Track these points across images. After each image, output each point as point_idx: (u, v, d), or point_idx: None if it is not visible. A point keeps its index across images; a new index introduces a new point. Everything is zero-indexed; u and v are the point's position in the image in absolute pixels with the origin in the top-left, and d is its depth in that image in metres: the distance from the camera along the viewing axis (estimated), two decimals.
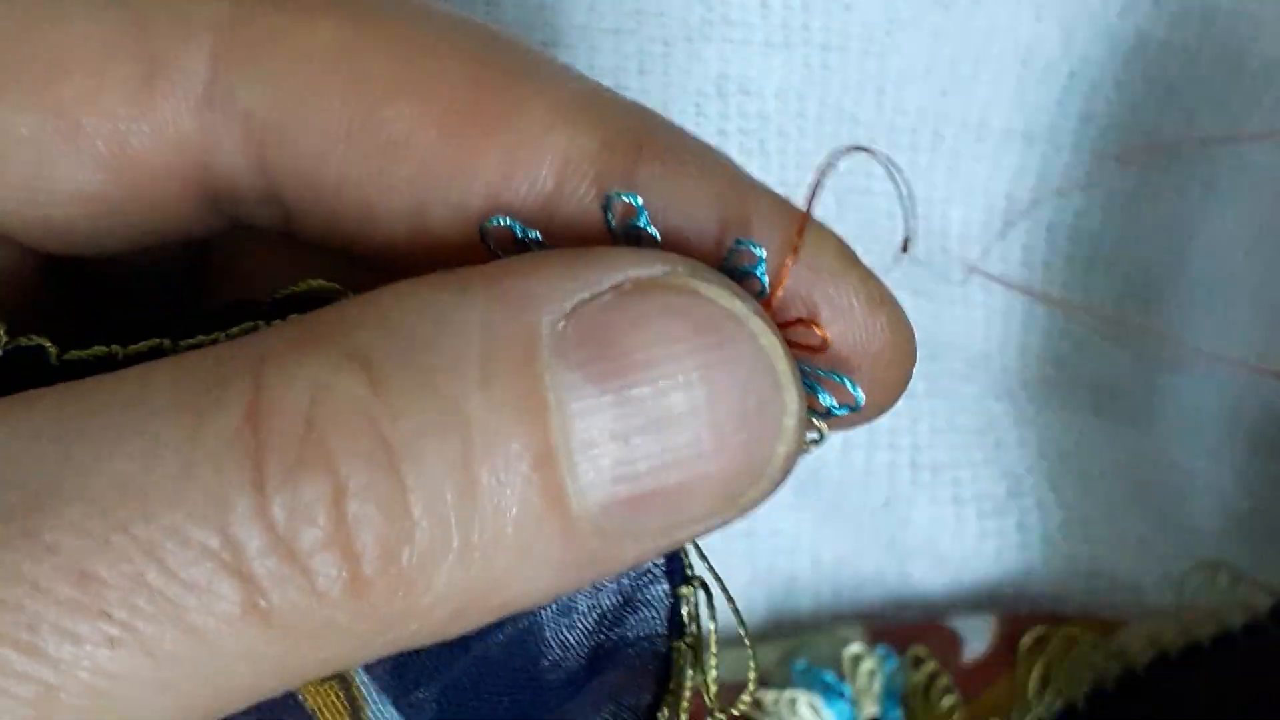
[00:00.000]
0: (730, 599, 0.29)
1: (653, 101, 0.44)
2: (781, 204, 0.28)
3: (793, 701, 0.42)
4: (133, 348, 0.27)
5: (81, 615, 0.23)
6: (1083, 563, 0.48)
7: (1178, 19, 0.43)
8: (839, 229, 0.47)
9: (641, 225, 0.26)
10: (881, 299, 0.28)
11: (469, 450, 0.24)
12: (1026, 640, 0.43)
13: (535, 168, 0.27)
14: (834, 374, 0.27)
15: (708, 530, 0.26)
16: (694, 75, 0.44)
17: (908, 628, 0.46)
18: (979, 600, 0.48)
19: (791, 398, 0.25)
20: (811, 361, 0.27)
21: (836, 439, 0.47)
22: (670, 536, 0.25)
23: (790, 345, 0.26)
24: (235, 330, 0.27)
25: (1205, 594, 0.43)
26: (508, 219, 0.27)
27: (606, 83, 0.43)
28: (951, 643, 0.44)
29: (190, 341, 0.27)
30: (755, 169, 0.45)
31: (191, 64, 0.27)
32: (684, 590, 0.28)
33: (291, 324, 0.25)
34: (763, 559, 0.48)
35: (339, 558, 0.23)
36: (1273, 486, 0.50)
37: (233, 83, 0.27)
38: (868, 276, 0.28)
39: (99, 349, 0.27)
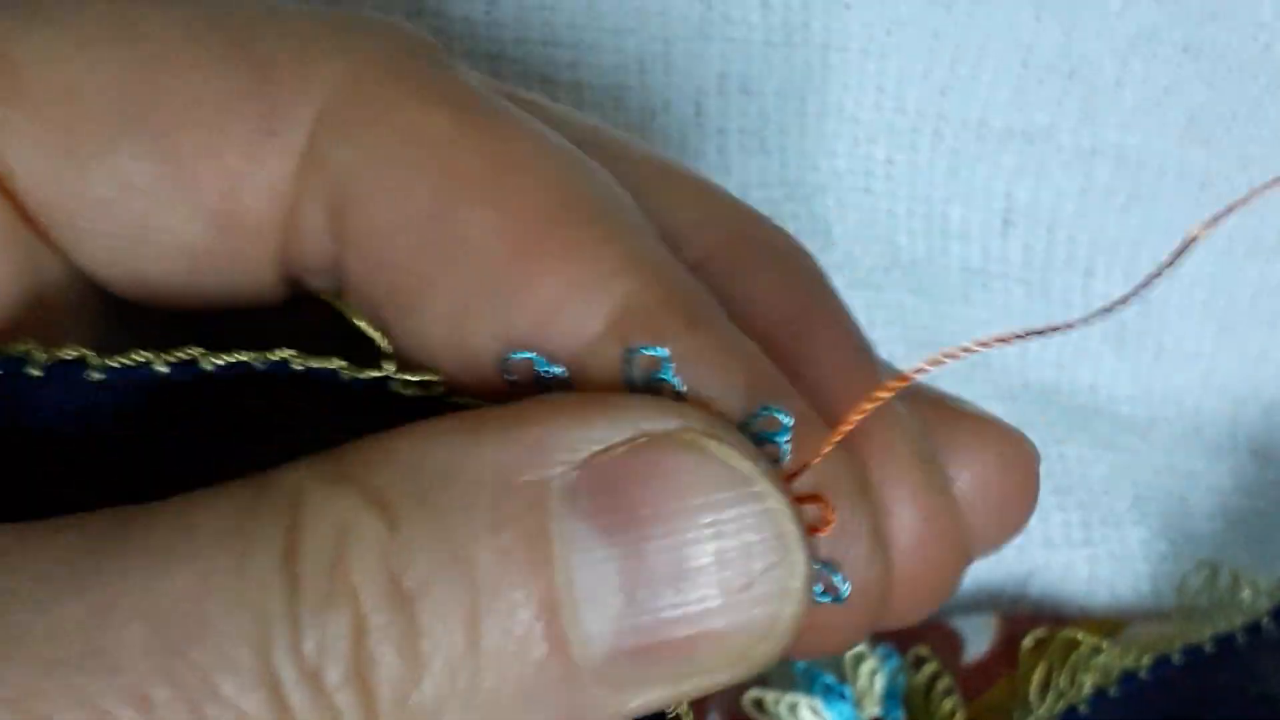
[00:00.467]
0: None
1: (653, 101, 0.44)
2: (811, 411, 0.27)
3: (794, 705, 0.42)
4: (168, 354, 0.27)
5: None
6: (1083, 565, 0.48)
7: (1178, 16, 0.43)
8: (838, 230, 0.47)
9: (665, 378, 0.26)
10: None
11: (476, 597, 0.24)
12: (1028, 642, 0.43)
13: (587, 308, 0.27)
14: (823, 564, 0.27)
15: (713, 685, 0.26)
16: (694, 74, 0.44)
17: (909, 628, 0.45)
18: (980, 602, 0.48)
19: (798, 560, 0.25)
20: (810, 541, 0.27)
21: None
22: (678, 686, 0.26)
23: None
24: (271, 356, 0.27)
25: (1206, 595, 0.43)
26: (531, 354, 0.27)
27: (606, 82, 0.44)
28: (952, 643, 0.44)
29: (227, 357, 0.27)
30: (755, 169, 0.45)
31: (303, 121, 0.27)
32: None
33: (324, 458, 0.25)
34: None
35: (358, 693, 0.24)
36: (1272, 489, 0.50)
37: (330, 142, 0.27)
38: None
39: (135, 352, 0.26)
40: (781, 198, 0.45)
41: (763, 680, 0.42)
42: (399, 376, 0.27)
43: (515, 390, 0.27)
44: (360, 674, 0.24)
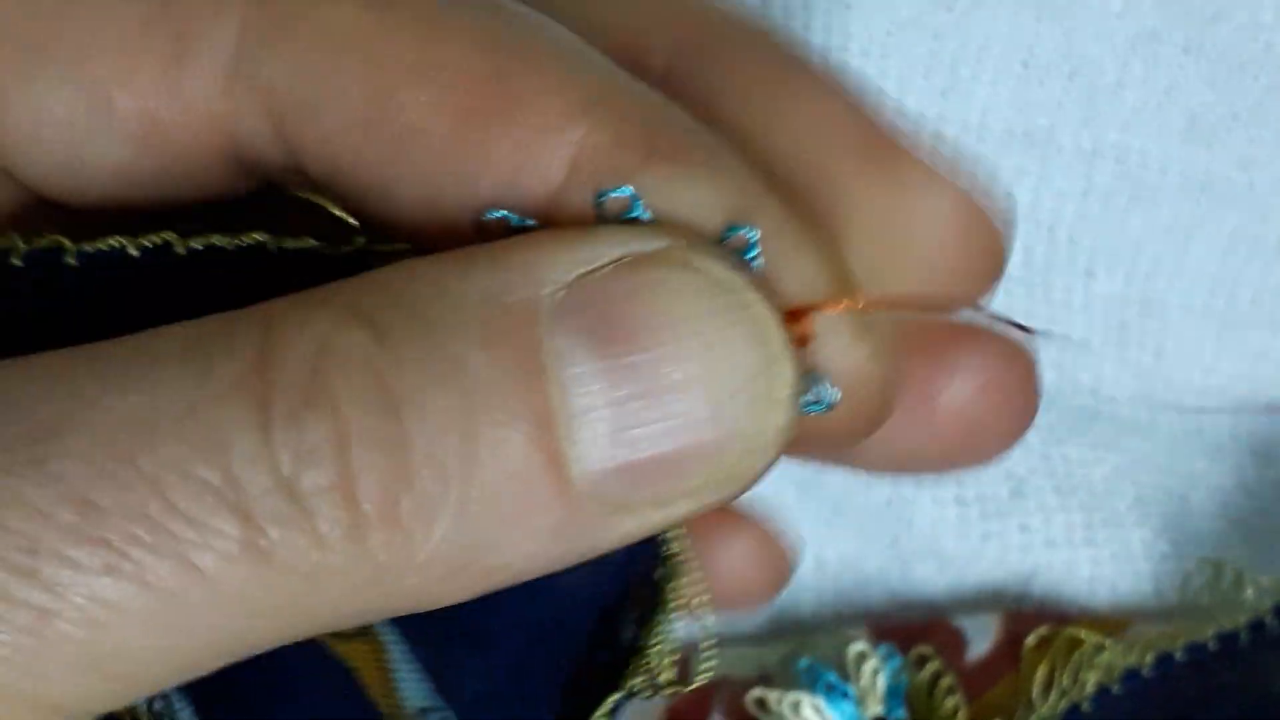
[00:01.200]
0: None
1: None
2: (789, 215, 0.28)
3: (796, 704, 0.42)
4: (143, 239, 0.27)
5: (81, 542, 0.23)
6: (1085, 565, 0.48)
7: (1180, 17, 0.43)
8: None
9: (636, 215, 0.27)
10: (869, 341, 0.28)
11: (470, 404, 0.24)
12: (1031, 640, 0.43)
13: (546, 161, 0.27)
14: (809, 374, 0.28)
15: (702, 506, 0.26)
16: None
17: (911, 626, 0.45)
18: (982, 601, 0.48)
19: (785, 369, 0.26)
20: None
21: None
22: (664, 511, 0.26)
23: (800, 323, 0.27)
24: (245, 239, 0.27)
25: (1208, 594, 0.43)
26: (503, 211, 0.27)
27: None
28: (955, 641, 0.44)
29: (200, 240, 0.27)
30: None
31: (219, 40, 0.28)
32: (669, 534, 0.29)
33: (299, 293, 0.25)
34: None
35: (340, 500, 0.24)
36: (1273, 488, 0.50)
37: (257, 58, 0.28)
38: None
39: (111, 238, 0.27)
40: None
41: (766, 679, 0.43)
42: (378, 248, 0.28)
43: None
44: (344, 482, 0.24)
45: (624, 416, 0.25)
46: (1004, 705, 0.43)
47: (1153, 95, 0.45)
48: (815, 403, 0.28)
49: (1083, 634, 0.43)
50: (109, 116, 0.28)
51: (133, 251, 0.27)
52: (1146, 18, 0.43)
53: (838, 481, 0.48)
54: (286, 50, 0.28)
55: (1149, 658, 0.42)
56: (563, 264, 0.25)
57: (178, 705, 0.30)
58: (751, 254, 0.27)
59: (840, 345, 0.28)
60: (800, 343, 0.27)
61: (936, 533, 0.47)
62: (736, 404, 0.25)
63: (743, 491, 0.27)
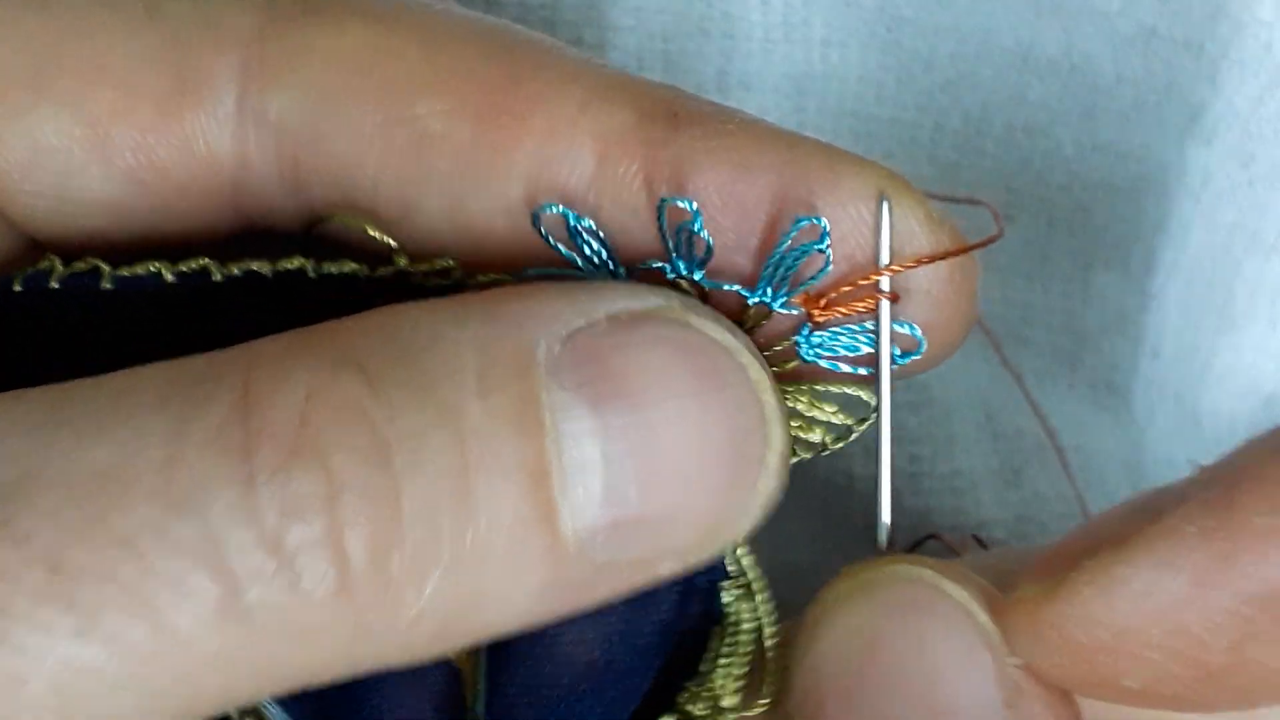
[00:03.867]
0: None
1: None
2: (851, 163, 0.28)
3: None
4: (181, 265, 0.27)
5: (51, 605, 0.22)
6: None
7: (1179, 14, 0.43)
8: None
9: (696, 230, 0.27)
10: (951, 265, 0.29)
11: (465, 455, 0.24)
12: None
13: (574, 150, 0.27)
14: (900, 322, 0.28)
15: (683, 567, 0.26)
16: (694, 71, 0.44)
17: None
18: None
19: (776, 433, 0.26)
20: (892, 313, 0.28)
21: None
22: (647, 571, 0.26)
23: (867, 297, 0.27)
24: (284, 264, 0.27)
25: None
26: (560, 206, 0.27)
27: None
28: None
29: (239, 266, 0.27)
30: None
31: (223, 78, 0.28)
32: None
33: (284, 335, 0.25)
34: (765, 557, 0.48)
35: (328, 556, 0.23)
36: None
37: (264, 96, 0.28)
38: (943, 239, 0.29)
39: (148, 263, 0.27)
40: None
41: None
42: (417, 268, 0.28)
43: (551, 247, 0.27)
44: (333, 536, 0.23)
45: (617, 473, 0.24)
46: None
47: (1152, 92, 0.45)
48: (907, 354, 0.28)
49: None
50: (105, 151, 0.28)
51: (169, 277, 0.27)
52: (1146, 15, 0.43)
53: (834, 474, 0.48)
54: (296, 82, 0.27)
55: None
56: (557, 316, 0.25)
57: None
58: (823, 244, 0.27)
59: (924, 298, 0.28)
60: (892, 299, 0.28)
61: (934, 525, 0.48)
62: (729, 467, 0.25)
63: (724, 552, 0.26)
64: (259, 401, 0.23)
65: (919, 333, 0.28)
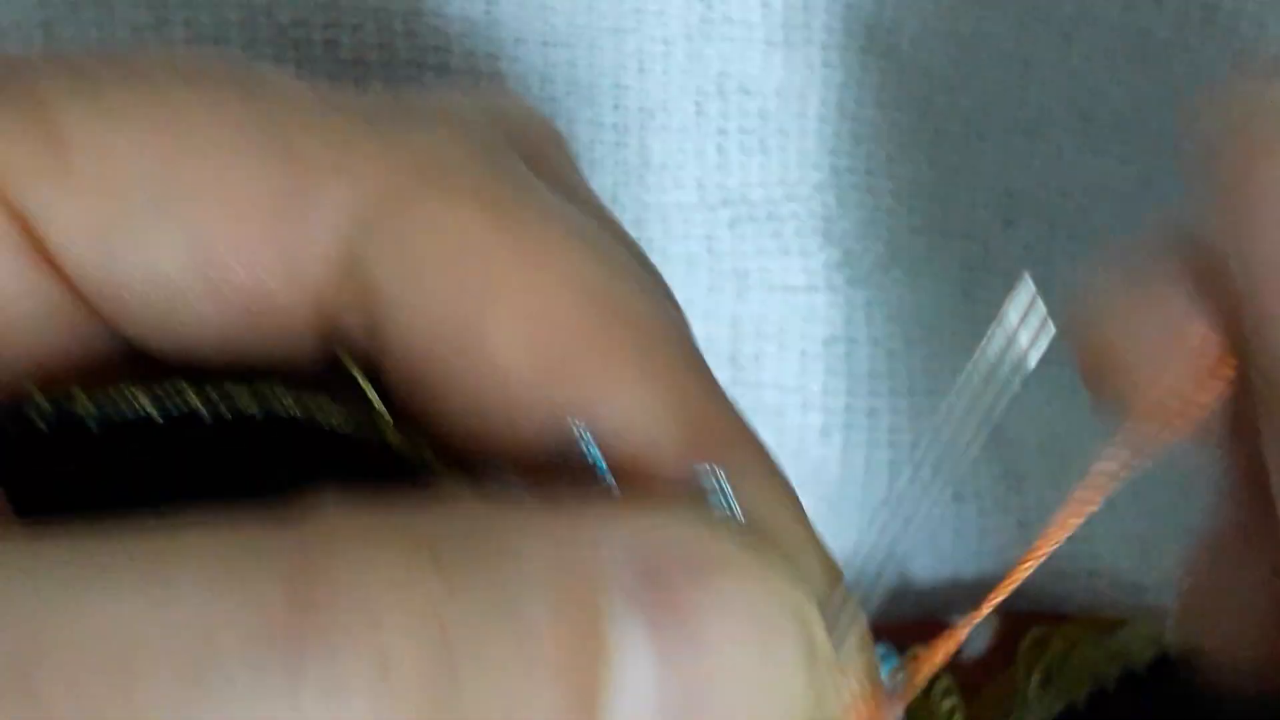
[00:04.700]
0: None
1: (653, 101, 0.44)
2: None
3: None
4: (154, 389, 0.26)
5: None
6: (1083, 561, 0.48)
7: (1180, 18, 0.43)
8: (838, 228, 0.47)
9: (589, 455, 0.26)
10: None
11: (528, 671, 0.22)
12: (1027, 640, 0.43)
13: (612, 425, 0.26)
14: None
15: None
16: (694, 74, 0.44)
17: (907, 624, 0.45)
18: (979, 599, 0.48)
19: (830, 704, 0.25)
20: None
21: (836, 437, 0.47)
22: None
23: None
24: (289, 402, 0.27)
25: None
26: (595, 447, 0.26)
27: (605, 82, 0.44)
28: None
29: (228, 405, 0.27)
30: (755, 167, 0.45)
31: (336, 220, 0.27)
32: None
33: (351, 505, 0.23)
34: None
35: None
36: None
37: (364, 251, 0.27)
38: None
39: (126, 388, 0.26)
40: (781, 197, 0.46)
41: None
42: (404, 449, 0.27)
43: (563, 474, 0.26)
44: None
45: (666, 708, 0.23)
46: (1000, 705, 0.43)
47: (1152, 92, 0.45)
48: None
49: (1079, 634, 0.43)
50: (219, 280, 0.27)
51: (151, 410, 0.27)
52: (1145, 18, 0.43)
53: (835, 479, 0.48)
54: (395, 246, 0.27)
55: (1145, 657, 0.42)
56: (636, 537, 0.23)
57: None
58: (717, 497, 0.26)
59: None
60: None
61: (934, 530, 0.48)
62: None
63: None
64: (316, 581, 0.21)
65: None
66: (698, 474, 0.26)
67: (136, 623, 0.21)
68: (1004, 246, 0.47)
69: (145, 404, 0.27)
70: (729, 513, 0.26)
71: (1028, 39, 0.44)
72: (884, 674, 0.42)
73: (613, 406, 0.26)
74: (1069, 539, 0.48)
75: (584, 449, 0.26)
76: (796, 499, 0.28)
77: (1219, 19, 0.43)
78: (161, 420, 0.27)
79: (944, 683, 0.43)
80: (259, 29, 0.42)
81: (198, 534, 0.22)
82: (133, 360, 0.29)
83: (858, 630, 0.27)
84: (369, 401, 0.28)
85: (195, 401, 0.27)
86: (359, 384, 0.28)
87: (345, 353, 0.28)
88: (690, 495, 0.26)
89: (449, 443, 0.27)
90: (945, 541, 0.48)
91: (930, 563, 0.48)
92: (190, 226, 0.27)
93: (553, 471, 0.26)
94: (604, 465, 0.26)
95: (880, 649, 0.43)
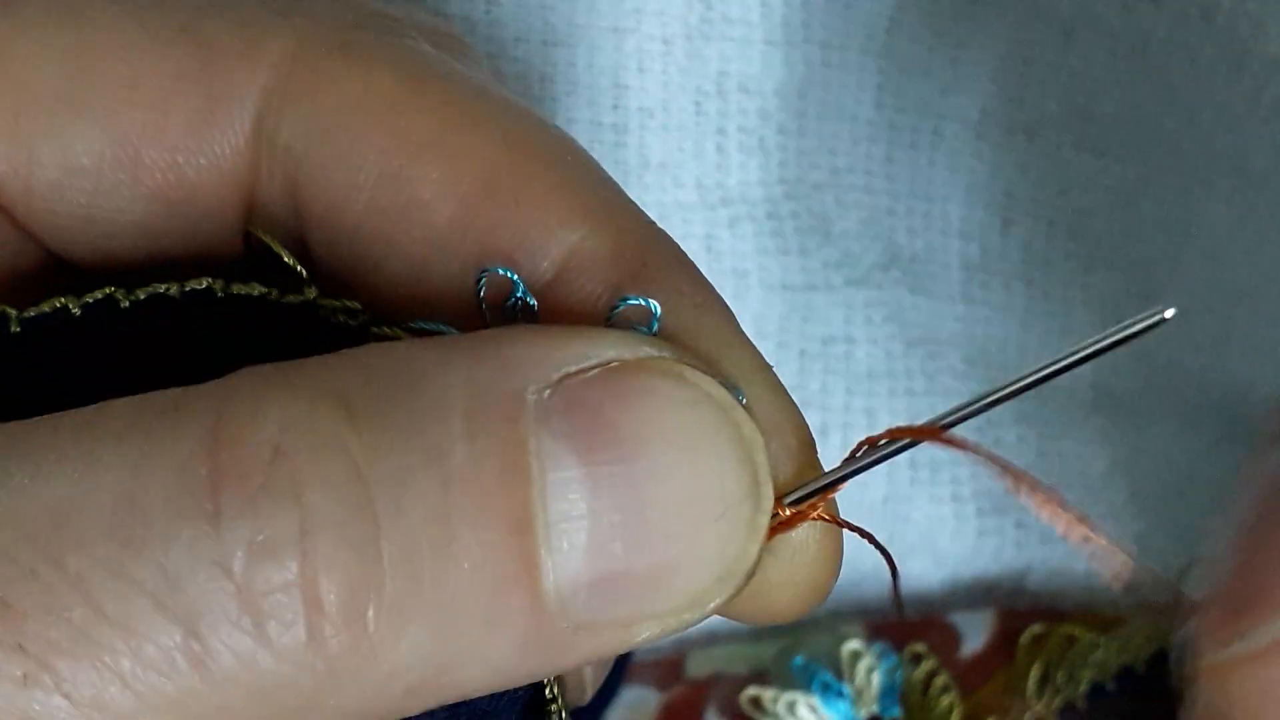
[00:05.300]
0: None
1: (652, 100, 0.44)
2: (762, 377, 0.27)
3: (792, 703, 0.42)
4: (87, 296, 0.26)
5: None
6: (1081, 560, 0.48)
7: (1178, 18, 0.43)
8: (837, 228, 0.47)
9: (520, 296, 0.26)
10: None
11: (450, 500, 0.23)
12: (1025, 638, 0.43)
13: (539, 255, 0.27)
14: None
15: (662, 633, 0.25)
16: (694, 73, 0.44)
17: (907, 623, 0.46)
18: (977, 597, 0.48)
19: (767, 494, 0.25)
20: None
21: (835, 436, 0.47)
22: (627, 633, 0.24)
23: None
24: (191, 285, 0.27)
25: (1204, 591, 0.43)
26: (512, 273, 0.27)
27: (605, 81, 0.44)
28: (950, 638, 0.45)
29: (145, 291, 0.26)
30: (755, 167, 0.45)
31: (249, 97, 0.28)
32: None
33: (261, 367, 0.24)
34: None
35: (299, 602, 0.22)
36: None
37: (279, 118, 0.28)
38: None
39: (54, 300, 0.26)
40: (781, 196, 0.46)
41: (760, 677, 0.43)
42: (324, 302, 0.27)
43: (483, 315, 0.27)
44: (305, 581, 0.22)
45: (603, 528, 0.23)
46: (998, 702, 0.43)
47: (1151, 93, 0.45)
48: None
49: (1077, 631, 0.43)
50: (136, 170, 0.28)
51: (75, 310, 0.26)
52: (1144, 21, 0.43)
53: None
54: (310, 113, 0.27)
55: (1143, 655, 0.42)
56: (548, 360, 0.24)
57: None
58: (652, 328, 0.26)
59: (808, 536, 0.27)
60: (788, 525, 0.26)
61: (932, 530, 0.48)
62: (719, 527, 0.24)
63: (700, 620, 0.25)
64: (229, 435, 0.22)
65: None
66: (622, 292, 0.26)
67: (60, 494, 0.22)
68: (1003, 246, 0.47)
69: (68, 302, 0.26)
70: (655, 321, 0.26)
71: (1028, 39, 0.44)
72: (881, 670, 0.43)
73: (543, 235, 0.27)
74: (1068, 539, 0.48)
75: (513, 285, 0.27)
76: (721, 301, 0.27)
77: (1218, 19, 0.43)
78: (79, 312, 0.26)
79: (943, 680, 0.43)
80: None
81: (119, 409, 0.23)
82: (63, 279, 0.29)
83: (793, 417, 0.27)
84: (292, 275, 0.28)
85: (116, 293, 0.27)
86: (280, 262, 0.28)
87: (259, 228, 0.29)
88: (614, 316, 0.26)
89: (380, 306, 0.28)
90: (944, 541, 0.48)
91: (929, 563, 0.48)
92: (103, 116, 0.27)
93: (483, 321, 0.27)
94: (532, 299, 0.27)
95: (878, 647, 0.43)
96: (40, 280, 0.29)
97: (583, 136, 0.44)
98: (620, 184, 0.29)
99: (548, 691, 0.27)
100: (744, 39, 0.43)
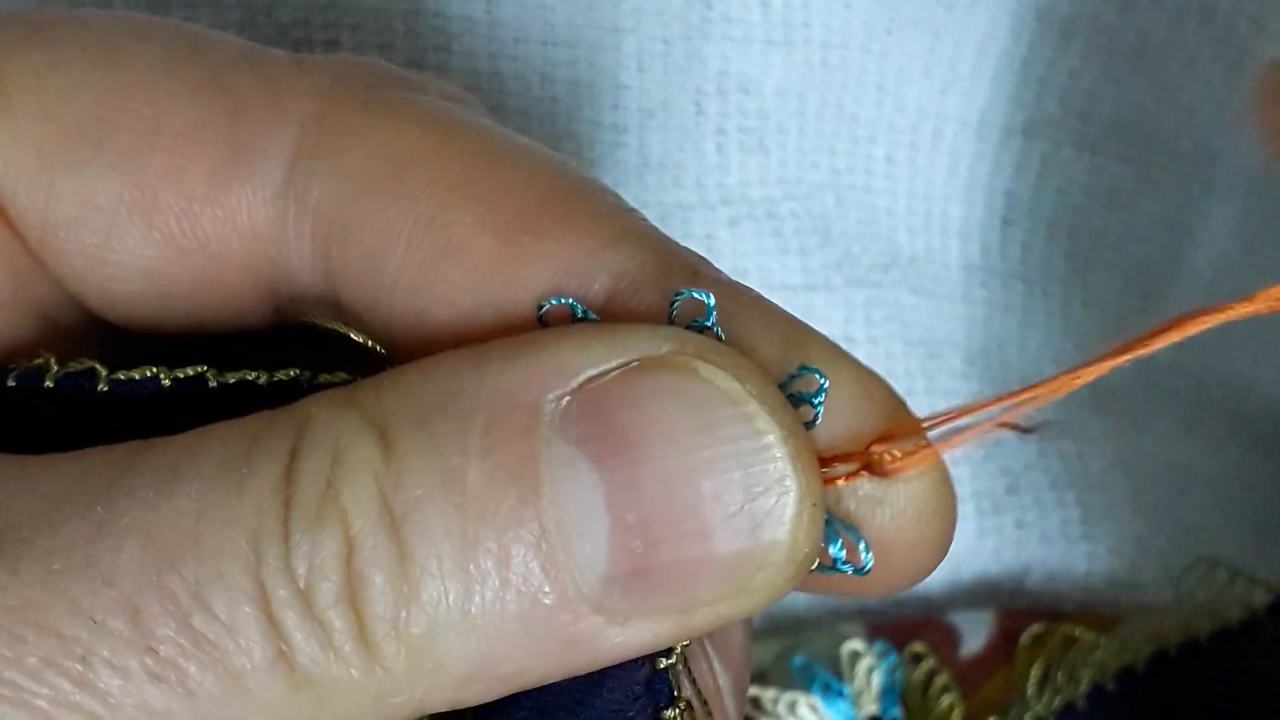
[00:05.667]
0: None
1: (652, 100, 0.44)
2: (835, 350, 0.28)
3: (792, 703, 0.42)
4: (178, 370, 0.28)
5: (131, 650, 0.24)
6: (1081, 560, 0.48)
7: (1177, 18, 0.43)
8: (837, 228, 0.47)
9: (708, 325, 0.27)
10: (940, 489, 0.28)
11: (465, 521, 0.25)
12: (1025, 638, 0.43)
13: (589, 281, 0.27)
14: (851, 529, 0.27)
15: (725, 618, 0.26)
16: (693, 73, 0.44)
17: (906, 623, 0.46)
18: (977, 597, 0.48)
19: (794, 483, 0.25)
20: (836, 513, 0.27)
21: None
22: (684, 620, 0.26)
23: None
24: (279, 375, 0.28)
25: (1203, 590, 0.43)
26: (568, 299, 0.27)
27: (605, 82, 0.44)
28: (950, 638, 0.45)
29: (234, 375, 0.28)
30: (755, 167, 0.45)
31: (274, 154, 0.28)
32: (668, 662, 0.28)
33: (338, 391, 0.26)
34: None
35: (350, 614, 0.24)
36: (1271, 482, 0.50)
37: (309, 177, 0.28)
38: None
39: (145, 368, 0.28)
40: (781, 196, 0.46)
41: (760, 677, 0.43)
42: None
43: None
44: (350, 596, 0.24)
45: (623, 528, 0.25)
46: (998, 702, 0.43)
47: (1152, 92, 0.45)
48: (848, 563, 0.27)
49: (1077, 631, 0.43)
50: (150, 213, 0.28)
51: (166, 382, 0.28)
52: (1143, 21, 0.43)
53: None
54: (340, 169, 0.28)
55: (1143, 655, 0.42)
56: (571, 364, 0.25)
57: None
58: (819, 398, 0.27)
59: (899, 512, 0.28)
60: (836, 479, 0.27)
61: None
62: (738, 519, 0.25)
63: (768, 602, 0.26)
64: (301, 463, 0.25)
65: (868, 554, 0.27)
66: (669, 297, 0.27)
67: (180, 510, 0.24)
68: (1003, 246, 0.47)
69: (160, 372, 0.28)
70: (711, 312, 0.27)
71: (1028, 39, 0.44)
72: (881, 670, 0.43)
73: (588, 261, 0.27)
74: (1067, 539, 0.48)
75: (571, 310, 0.27)
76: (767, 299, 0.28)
77: (1217, 20, 0.43)
78: (169, 384, 0.28)
79: (943, 680, 0.43)
80: (259, 28, 0.42)
81: (217, 435, 0.25)
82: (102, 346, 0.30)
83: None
84: (374, 356, 0.29)
85: (207, 373, 0.28)
86: (349, 340, 0.29)
87: (317, 316, 0.29)
88: (674, 316, 0.27)
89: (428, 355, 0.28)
90: None
91: None
92: (124, 157, 0.28)
93: None
94: (594, 316, 0.27)
95: (878, 647, 0.43)
96: (49, 312, 0.30)
97: (583, 136, 0.44)
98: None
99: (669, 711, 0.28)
100: (744, 38, 0.43)
